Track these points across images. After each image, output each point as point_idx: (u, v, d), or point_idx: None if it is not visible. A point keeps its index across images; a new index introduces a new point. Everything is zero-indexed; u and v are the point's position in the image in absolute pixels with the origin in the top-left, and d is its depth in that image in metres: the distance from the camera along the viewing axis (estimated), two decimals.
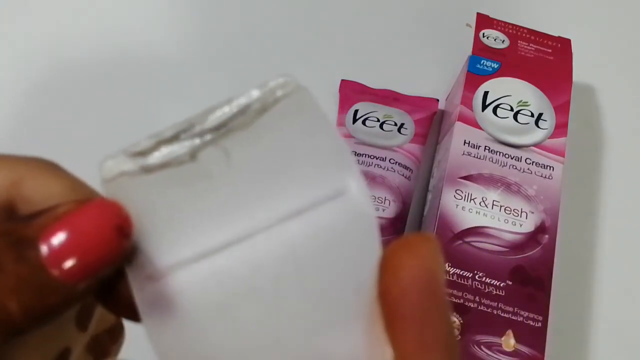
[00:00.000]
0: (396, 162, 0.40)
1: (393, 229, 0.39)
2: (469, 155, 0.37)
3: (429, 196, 0.41)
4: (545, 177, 0.37)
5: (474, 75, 0.40)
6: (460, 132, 0.38)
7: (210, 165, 0.13)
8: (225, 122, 0.13)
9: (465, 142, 0.38)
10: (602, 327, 0.40)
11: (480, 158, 0.37)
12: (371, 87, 0.44)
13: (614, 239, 0.43)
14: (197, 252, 0.13)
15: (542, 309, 0.34)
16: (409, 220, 0.40)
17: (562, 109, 0.39)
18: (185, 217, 0.13)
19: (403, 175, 0.40)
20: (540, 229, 0.35)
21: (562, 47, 0.42)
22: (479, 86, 0.39)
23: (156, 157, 0.13)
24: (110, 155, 0.13)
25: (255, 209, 0.13)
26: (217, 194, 0.13)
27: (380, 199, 0.39)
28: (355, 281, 0.13)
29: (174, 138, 0.13)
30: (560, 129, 0.38)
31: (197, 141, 0.13)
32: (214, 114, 0.14)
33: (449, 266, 0.34)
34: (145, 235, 0.13)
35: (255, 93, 0.14)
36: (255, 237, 0.13)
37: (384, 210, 0.39)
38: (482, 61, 0.40)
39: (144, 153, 0.13)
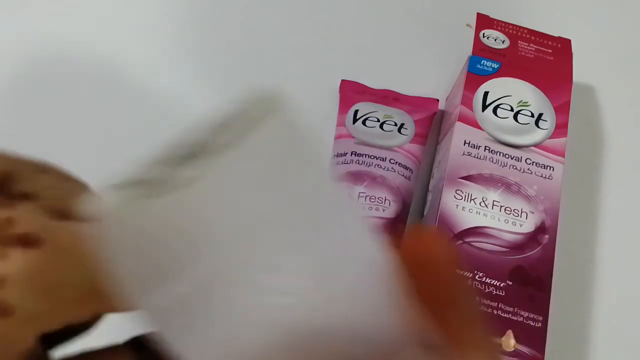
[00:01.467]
0: (396, 162, 0.40)
1: (393, 229, 0.39)
2: (469, 155, 0.37)
3: (429, 196, 0.41)
4: (545, 177, 0.37)
5: (474, 76, 0.40)
6: (460, 132, 0.38)
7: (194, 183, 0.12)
8: (214, 147, 0.13)
9: (465, 142, 0.38)
10: (602, 327, 0.40)
11: (480, 158, 0.37)
12: (371, 87, 0.44)
13: (614, 238, 0.43)
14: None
15: (542, 309, 0.34)
16: (409, 220, 0.40)
17: (562, 109, 0.39)
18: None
19: (403, 175, 0.40)
20: (540, 229, 0.35)
21: (562, 47, 0.42)
22: (479, 86, 0.39)
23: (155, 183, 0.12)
24: (100, 192, 0.13)
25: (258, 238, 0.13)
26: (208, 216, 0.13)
27: (381, 199, 0.39)
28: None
29: (172, 161, 0.12)
30: (560, 129, 0.38)
31: (185, 167, 0.12)
32: (200, 135, 0.13)
33: None
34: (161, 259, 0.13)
35: (238, 113, 0.13)
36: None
37: (384, 210, 0.39)
38: (482, 61, 0.40)
39: (139, 182, 0.12)
